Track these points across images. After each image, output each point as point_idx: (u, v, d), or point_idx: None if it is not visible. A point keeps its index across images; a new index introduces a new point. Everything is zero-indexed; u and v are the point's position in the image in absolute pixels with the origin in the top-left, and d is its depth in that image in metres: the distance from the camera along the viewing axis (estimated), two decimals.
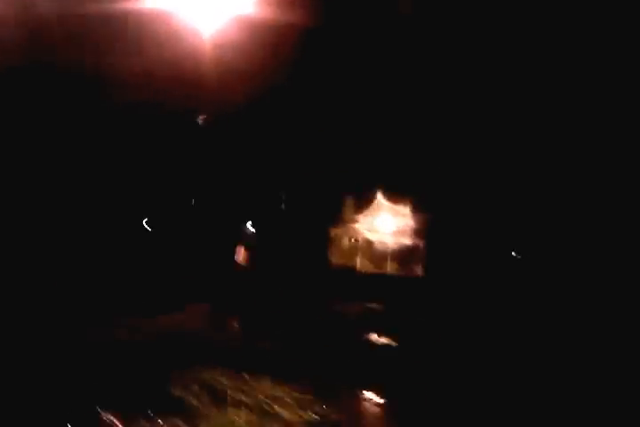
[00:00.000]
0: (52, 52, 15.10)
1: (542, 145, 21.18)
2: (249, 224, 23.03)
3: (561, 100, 20.14)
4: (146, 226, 21.53)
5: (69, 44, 14.79)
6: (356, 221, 24.66)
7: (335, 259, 25.11)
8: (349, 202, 24.28)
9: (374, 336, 15.05)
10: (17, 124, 16.46)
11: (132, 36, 14.18)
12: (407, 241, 24.78)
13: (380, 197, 23.98)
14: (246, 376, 8.55)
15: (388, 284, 23.17)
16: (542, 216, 22.79)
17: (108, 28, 13.94)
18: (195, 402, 7.11)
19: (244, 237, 22.73)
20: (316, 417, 7.25)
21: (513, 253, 24.51)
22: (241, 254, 21.71)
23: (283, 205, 22.87)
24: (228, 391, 7.77)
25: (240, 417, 6.83)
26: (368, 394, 9.22)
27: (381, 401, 9.06)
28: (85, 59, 15.39)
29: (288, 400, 7.72)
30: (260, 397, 7.69)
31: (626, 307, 19.30)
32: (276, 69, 17.53)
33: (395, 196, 23.76)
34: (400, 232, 24.58)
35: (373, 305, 20.45)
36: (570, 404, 9.42)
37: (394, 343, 14.48)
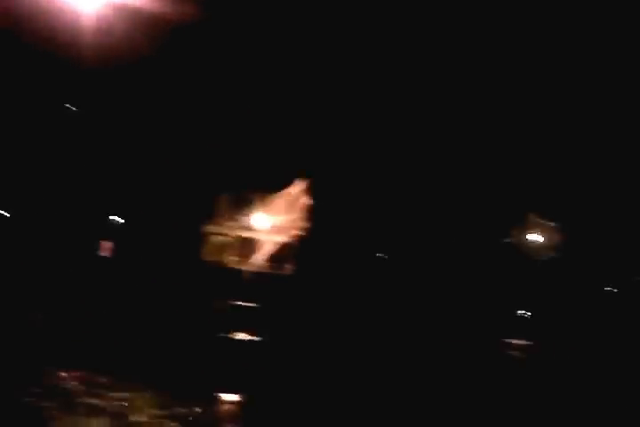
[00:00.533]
0: None
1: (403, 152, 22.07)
2: (116, 218, 22.32)
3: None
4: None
5: None
6: (231, 220, 24.59)
7: (208, 256, 24.89)
8: (224, 200, 24.17)
9: (241, 333, 15.10)
10: None
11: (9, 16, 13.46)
12: (280, 239, 25.03)
13: (255, 195, 24.06)
14: (102, 379, 8.32)
15: (258, 280, 23.32)
16: (406, 220, 23.85)
17: None
18: (45, 408, 6.82)
19: (109, 231, 22.00)
20: (172, 420, 7.19)
21: (379, 254, 25.43)
22: (106, 248, 21.01)
23: (157, 200, 22.33)
24: (84, 396, 7.52)
25: (93, 423, 6.64)
26: (227, 394, 9.27)
27: (239, 399, 9.14)
28: None
29: (145, 403, 7.60)
30: (115, 400, 7.51)
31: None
32: (150, 57, 17.16)
33: (269, 195, 23.95)
34: (274, 231, 24.78)
35: (243, 302, 20.50)
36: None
37: (260, 340, 14.60)
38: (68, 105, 19.46)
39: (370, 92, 19.88)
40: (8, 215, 20.50)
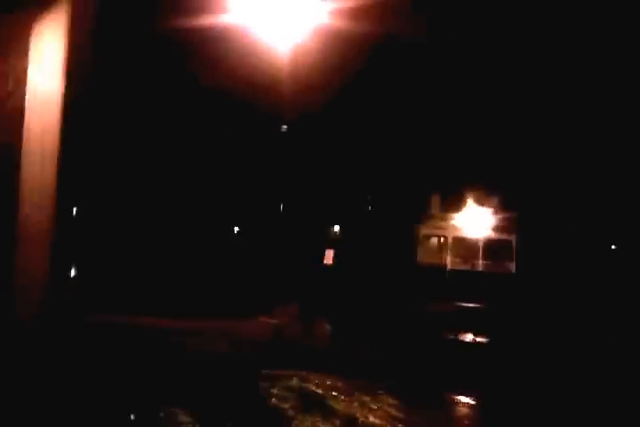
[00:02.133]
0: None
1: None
2: (336, 226, 23.22)
3: None
4: (236, 231, 22.18)
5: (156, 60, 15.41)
6: (445, 219, 24.31)
7: (423, 258, 24.84)
8: (437, 200, 23.98)
9: (467, 336, 14.80)
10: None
11: (213, 50, 14.58)
12: (497, 237, 24.16)
13: (468, 194, 23.52)
14: (338, 382, 8.59)
15: (479, 281, 22.71)
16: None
17: (191, 43, 14.41)
18: (288, 410, 7.21)
19: (331, 239, 22.92)
20: (406, 425, 7.21)
21: (611, 246, 23.45)
22: (329, 256, 21.89)
23: (369, 206, 22.85)
24: (322, 399, 7.83)
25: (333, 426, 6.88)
26: (461, 397, 9.10)
27: (474, 404, 8.92)
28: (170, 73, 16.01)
29: (379, 407, 7.72)
30: (350, 403, 7.71)
31: None
32: (354, 77, 17.60)
33: (483, 192, 23.25)
34: (490, 229, 24.00)
35: (464, 303, 20.10)
36: None
37: (488, 343, 14.19)
38: (282, 127, 20.70)
39: None
40: (239, 230, 22.28)
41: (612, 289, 20.89)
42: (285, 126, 20.68)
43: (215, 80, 15.77)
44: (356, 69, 17.07)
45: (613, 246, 23.72)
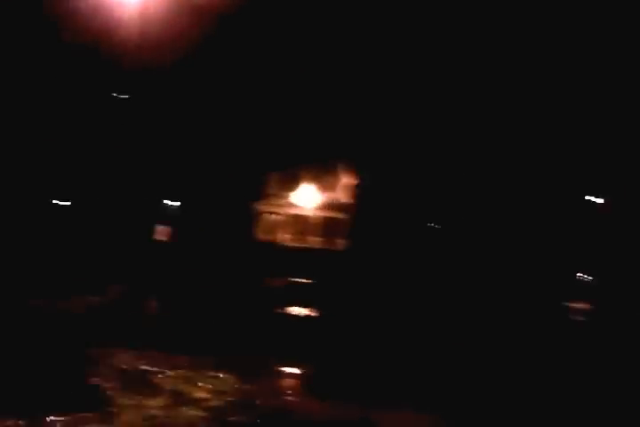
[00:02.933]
0: None
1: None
2: (169, 201, 22.71)
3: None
4: (57, 203, 20.92)
5: None
6: (281, 197, 24.71)
7: (259, 234, 25.15)
8: (274, 178, 24.28)
9: (297, 309, 15.23)
10: None
11: (56, 8, 13.65)
12: (330, 215, 25.05)
13: (303, 172, 24.06)
14: (165, 358, 8.52)
15: (311, 257, 23.47)
16: (459, 190, 23.46)
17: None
18: (111, 389, 7.04)
19: (164, 215, 22.42)
20: (233, 398, 7.32)
21: (431, 225, 25.16)
22: (162, 232, 21.44)
23: (208, 183, 22.57)
24: (147, 376, 7.72)
25: (157, 403, 6.80)
26: (287, 367, 9.38)
27: (299, 373, 9.25)
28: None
29: (205, 381, 7.76)
30: (178, 379, 7.68)
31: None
32: (198, 42, 17.19)
33: (319, 171, 23.91)
34: (323, 207, 24.79)
35: (297, 279, 20.69)
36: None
37: (316, 316, 14.72)
38: (115, 94, 19.73)
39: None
40: (68, 204, 21.11)
41: (434, 264, 22.51)
42: (124, 94, 19.73)
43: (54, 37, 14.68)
44: (202, 36, 16.63)
45: (433, 225, 25.47)
